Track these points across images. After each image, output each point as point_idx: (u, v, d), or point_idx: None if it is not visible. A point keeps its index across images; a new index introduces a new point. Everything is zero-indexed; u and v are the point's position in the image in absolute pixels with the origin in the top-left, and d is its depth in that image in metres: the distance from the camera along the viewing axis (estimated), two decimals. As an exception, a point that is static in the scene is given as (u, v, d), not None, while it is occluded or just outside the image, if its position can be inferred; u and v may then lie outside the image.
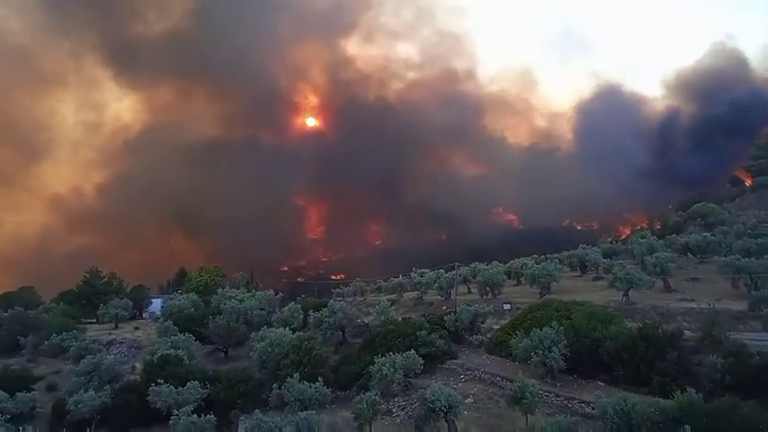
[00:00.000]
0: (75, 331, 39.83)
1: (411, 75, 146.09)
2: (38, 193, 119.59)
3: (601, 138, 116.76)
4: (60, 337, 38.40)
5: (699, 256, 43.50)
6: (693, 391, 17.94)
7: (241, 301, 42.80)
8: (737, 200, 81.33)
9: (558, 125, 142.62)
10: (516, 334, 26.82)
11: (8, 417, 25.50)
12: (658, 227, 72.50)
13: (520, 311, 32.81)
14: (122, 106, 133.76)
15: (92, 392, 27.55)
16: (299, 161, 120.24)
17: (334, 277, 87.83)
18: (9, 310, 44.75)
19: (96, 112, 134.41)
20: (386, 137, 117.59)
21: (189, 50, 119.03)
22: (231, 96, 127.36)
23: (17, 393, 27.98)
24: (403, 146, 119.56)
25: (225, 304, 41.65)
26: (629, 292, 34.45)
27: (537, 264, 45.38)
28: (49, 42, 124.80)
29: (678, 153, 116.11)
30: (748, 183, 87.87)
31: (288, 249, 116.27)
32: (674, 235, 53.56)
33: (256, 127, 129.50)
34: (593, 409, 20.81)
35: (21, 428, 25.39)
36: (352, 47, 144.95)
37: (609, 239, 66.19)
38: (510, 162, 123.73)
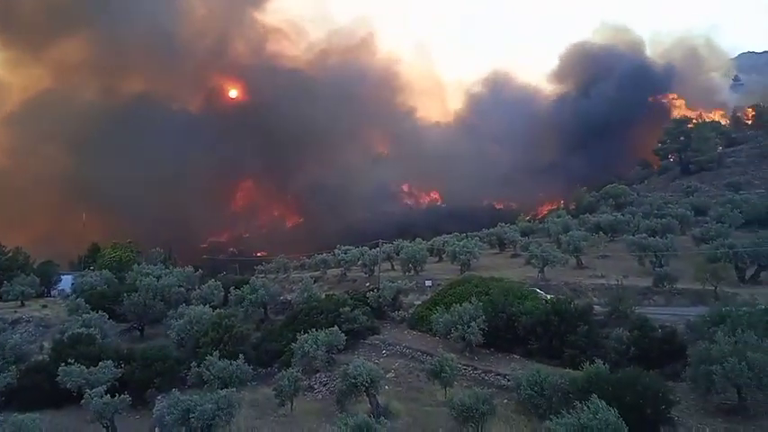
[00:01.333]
0: (-25, 310, 37.36)
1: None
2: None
3: (502, 121, 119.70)
4: (-41, 315, 35.94)
5: (609, 235, 45.77)
6: (601, 362, 18.95)
7: (158, 278, 41.36)
8: (645, 182, 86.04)
9: (468, 105, 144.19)
10: (437, 309, 27.37)
11: None
12: (573, 207, 75.67)
13: (441, 287, 33.55)
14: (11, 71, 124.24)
15: (-5, 373, 26.02)
16: (215, 132, 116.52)
17: (257, 254, 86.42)
18: None
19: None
20: (302, 110, 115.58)
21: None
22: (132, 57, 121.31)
23: None
24: (318, 119, 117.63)
25: (141, 281, 40.14)
26: (545, 269, 35.91)
27: (458, 241, 46.43)
28: None
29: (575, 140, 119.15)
30: (656, 166, 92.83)
31: (208, 225, 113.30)
32: (587, 215, 56.05)
33: (171, 94, 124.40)
34: (508, 381, 21.61)
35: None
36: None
37: (527, 219, 68.55)
38: (425, 140, 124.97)
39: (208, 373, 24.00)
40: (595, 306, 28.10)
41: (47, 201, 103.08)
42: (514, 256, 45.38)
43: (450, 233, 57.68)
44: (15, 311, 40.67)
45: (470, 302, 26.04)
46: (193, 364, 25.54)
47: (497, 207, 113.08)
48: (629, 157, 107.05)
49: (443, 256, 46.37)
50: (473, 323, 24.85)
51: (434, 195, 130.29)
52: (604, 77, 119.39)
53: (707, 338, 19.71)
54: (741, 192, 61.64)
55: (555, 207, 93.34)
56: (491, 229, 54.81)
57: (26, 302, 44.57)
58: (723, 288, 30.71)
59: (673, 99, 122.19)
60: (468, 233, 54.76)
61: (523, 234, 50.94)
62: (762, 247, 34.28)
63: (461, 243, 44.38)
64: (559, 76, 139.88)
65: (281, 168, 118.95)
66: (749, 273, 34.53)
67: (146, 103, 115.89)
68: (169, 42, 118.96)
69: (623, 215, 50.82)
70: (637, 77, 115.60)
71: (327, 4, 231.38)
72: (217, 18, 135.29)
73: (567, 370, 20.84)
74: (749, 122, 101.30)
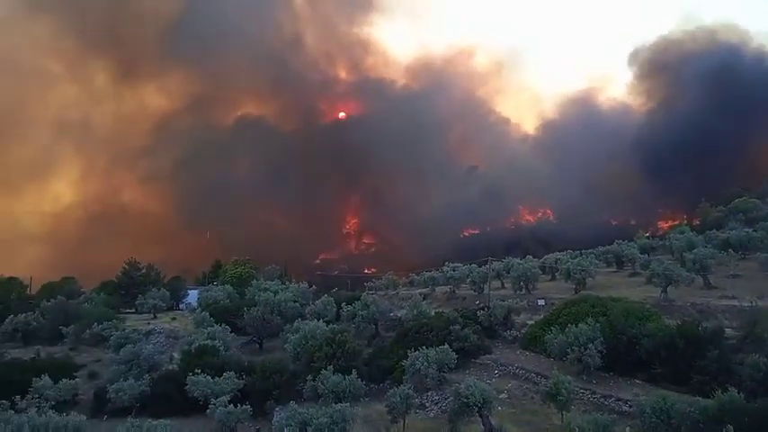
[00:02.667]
0: (115, 321, 40.81)
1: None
2: (75, 185, 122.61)
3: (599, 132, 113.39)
4: (101, 326, 39.39)
5: (740, 253, 42.32)
6: (735, 390, 17.54)
7: (275, 293, 43.29)
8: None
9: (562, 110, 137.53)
10: (551, 330, 26.56)
11: (52, 403, 26.26)
12: (697, 222, 70.78)
13: (555, 307, 32.50)
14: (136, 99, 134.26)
15: (131, 381, 28.27)
16: (328, 150, 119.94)
17: (366, 271, 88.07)
18: (52, 300, 46.08)
19: (118, 104, 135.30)
20: (403, 125, 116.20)
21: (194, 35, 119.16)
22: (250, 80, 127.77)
23: (61, 381, 28.79)
24: (418, 133, 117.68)
25: (259, 296, 42.19)
26: (668, 289, 33.80)
27: (572, 259, 44.79)
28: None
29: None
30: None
31: (321, 242, 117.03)
32: (714, 230, 52.24)
33: (279, 116, 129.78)
34: (630, 407, 20.54)
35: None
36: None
37: (646, 235, 64.92)
38: (520, 152, 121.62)
39: (322, 386, 24.70)
40: (727, 329, 26.02)
41: (174, 221, 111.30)
42: (633, 274, 43.01)
43: (563, 250, 55.78)
44: (148, 323, 44.08)
45: (587, 323, 25.05)
46: (309, 377, 26.41)
47: (613, 223, 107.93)
48: (748, 169, 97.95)
49: (556, 274, 44.91)
50: (590, 345, 23.87)
51: (544, 210, 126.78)
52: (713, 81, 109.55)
53: None
54: None
55: (677, 223, 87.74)
56: (608, 246, 52.39)
57: (158, 315, 48.21)
58: None
59: None
60: (583, 250, 52.67)
61: (643, 251, 48.19)
62: None
63: (575, 261, 42.76)
64: (647, 79, 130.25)
65: (385, 184, 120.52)
66: None
67: (256, 126, 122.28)
68: (275, 66, 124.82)
69: (755, 231, 46.82)
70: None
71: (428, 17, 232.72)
72: (320, 38, 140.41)
73: (697, 398, 19.44)
74: None
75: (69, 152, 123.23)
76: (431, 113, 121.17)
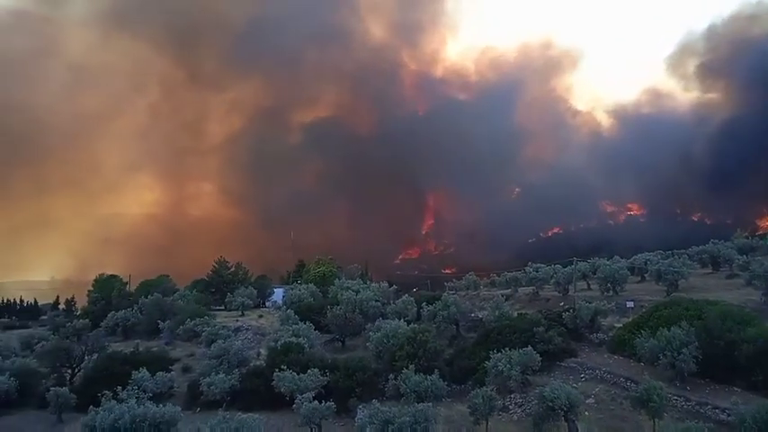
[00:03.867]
0: (206, 317, 42.65)
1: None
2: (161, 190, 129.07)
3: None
4: (194, 322, 41.26)
5: None
6: None
7: (357, 292, 43.90)
8: None
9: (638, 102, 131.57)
10: (641, 333, 25.53)
11: (150, 395, 27.80)
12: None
13: (644, 310, 31.22)
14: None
15: (222, 375, 29.48)
16: (402, 148, 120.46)
17: (446, 271, 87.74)
18: (149, 296, 48.79)
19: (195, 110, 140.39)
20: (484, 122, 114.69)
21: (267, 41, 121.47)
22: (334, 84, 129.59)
23: (158, 373, 30.43)
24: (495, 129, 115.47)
25: (342, 295, 42.92)
26: (770, 292, 31.70)
27: (663, 260, 42.81)
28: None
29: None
30: None
31: (400, 242, 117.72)
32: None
33: (353, 114, 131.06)
34: (728, 416, 19.46)
35: None
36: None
37: (745, 234, 61.08)
38: (597, 147, 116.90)
39: (404, 386, 24.84)
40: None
41: (255, 225, 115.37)
42: (731, 276, 40.58)
43: (653, 251, 53.37)
44: (237, 320, 45.76)
45: (680, 327, 23.90)
46: (391, 376, 26.64)
47: (708, 222, 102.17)
48: None
49: (646, 275, 43.08)
50: (684, 349, 22.76)
51: (633, 208, 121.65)
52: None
53: None
54: None
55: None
56: (702, 247, 49.67)
57: (245, 312, 49.98)
58: None
59: None
60: (675, 250, 50.20)
61: (741, 252, 45.34)
62: None
63: (667, 261, 40.84)
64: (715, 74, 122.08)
65: (464, 183, 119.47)
66: None
67: (329, 127, 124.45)
68: (347, 69, 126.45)
69: None
70: None
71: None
72: (388, 44, 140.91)
73: (803, 408, 18.14)
74: None
75: (149, 159, 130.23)
76: (505, 108, 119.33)
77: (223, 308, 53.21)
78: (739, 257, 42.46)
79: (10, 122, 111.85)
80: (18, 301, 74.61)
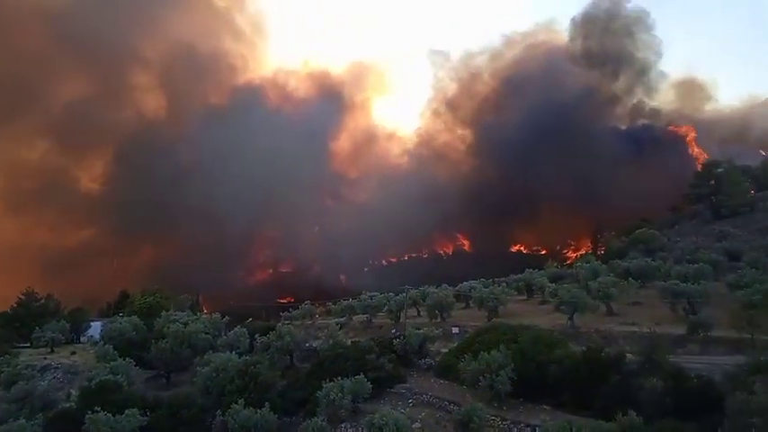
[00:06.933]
0: (7, 356, 37.85)
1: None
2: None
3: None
4: (-11, 362, 36.35)
5: (640, 281, 44.78)
6: (634, 414, 18.32)
7: (185, 324, 41.58)
8: (676, 227, 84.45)
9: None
10: (464, 357, 26.92)
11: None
12: (601, 252, 74.47)
13: (468, 335, 33.03)
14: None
15: (23, 421, 26.18)
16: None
17: (282, 300, 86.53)
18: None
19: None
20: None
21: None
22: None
23: (-59, 422, 26.31)
24: None
25: (168, 328, 40.39)
26: (574, 316, 35.18)
27: (485, 287, 45.84)
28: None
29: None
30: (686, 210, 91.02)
31: (238, 270, 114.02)
32: (617, 260, 55.10)
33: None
34: (538, 433, 20.97)
35: None
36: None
37: (555, 264, 67.59)
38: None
39: (233, 421, 23.83)
40: (627, 355, 27.28)
41: (76, 250, 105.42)
42: (543, 302, 44.58)
43: (477, 279, 57.09)
44: (45, 358, 41.11)
45: (499, 350, 25.59)
46: (218, 412, 25.41)
47: (524, 252, 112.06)
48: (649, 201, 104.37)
49: (470, 302, 45.83)
50: (502, 372, 24.36)
51: (462, 241, 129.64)
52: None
53: (745, 389, 18.92)
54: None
55: (584, 252, 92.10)
56: (519, 275, 54.14)
57: (56, 349, 45.09)
58: (761, 336, 29.62)
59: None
60: (496, 279, 54.11)
61: (552, 280, 50.10)
62: (800, 293, 33.08)
63: (488, 289, 43.84)
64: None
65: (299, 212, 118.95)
66: (788, 320, 33.25)
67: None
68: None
69: (654, 260, 49.78)
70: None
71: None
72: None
73: (600, 422, 20.16)
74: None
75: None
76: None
77: (29, 345, 47.55)
78: (550, 285, 46.76)
79: None
80: None
